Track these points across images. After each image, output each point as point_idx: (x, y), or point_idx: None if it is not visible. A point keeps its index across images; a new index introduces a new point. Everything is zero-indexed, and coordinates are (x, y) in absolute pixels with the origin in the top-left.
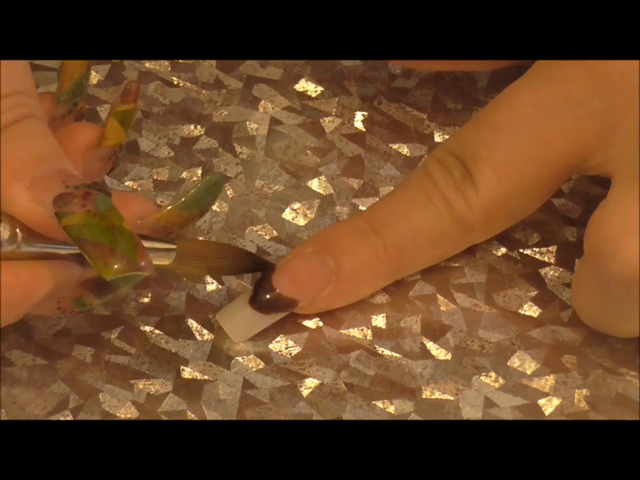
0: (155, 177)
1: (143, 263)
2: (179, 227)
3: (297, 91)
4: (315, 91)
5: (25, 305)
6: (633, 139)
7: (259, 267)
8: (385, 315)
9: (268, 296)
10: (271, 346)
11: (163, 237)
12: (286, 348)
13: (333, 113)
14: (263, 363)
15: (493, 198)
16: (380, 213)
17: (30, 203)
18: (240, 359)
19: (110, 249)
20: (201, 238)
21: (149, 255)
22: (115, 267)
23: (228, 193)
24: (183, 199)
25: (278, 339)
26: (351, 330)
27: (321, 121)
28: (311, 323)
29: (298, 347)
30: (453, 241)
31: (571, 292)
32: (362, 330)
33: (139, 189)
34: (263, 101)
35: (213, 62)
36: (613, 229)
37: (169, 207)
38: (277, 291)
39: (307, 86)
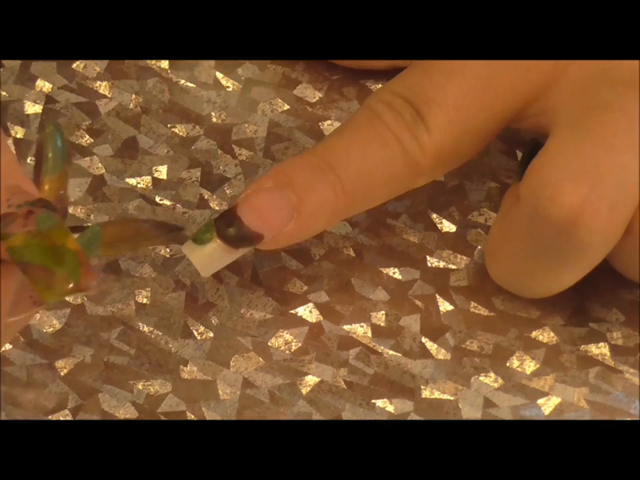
0: (154, 175)
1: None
2: (63, 189)
3: (296, 95)
4: (314, 97)
5: None
6: (575, 88)
7: (172, 235)
8: (384, 312)
9: (234, 229)
10: (270, 341)
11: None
12: (285, 343)
13: (332, 117)
14: (262, 360)
15: (444, 143)
16: (335, 151)
17: None
18: (240, 356)
19: (50, 272)
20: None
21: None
22: (56, 290)
23: (227, 192)
24: (44, 167)
25: (278, 333)
26: (350, 326)
27: (320, 124)
28: (310, 317)
29: (298, 342)
30: (401, 183)
31: (487, 241)
32: (362, 326)
33: (138, 185)
34: (261, 104)
35: (212, 62)
36: (555, 173)
37: (45, 177)
38: (244, 224)
39: (306, 92)
